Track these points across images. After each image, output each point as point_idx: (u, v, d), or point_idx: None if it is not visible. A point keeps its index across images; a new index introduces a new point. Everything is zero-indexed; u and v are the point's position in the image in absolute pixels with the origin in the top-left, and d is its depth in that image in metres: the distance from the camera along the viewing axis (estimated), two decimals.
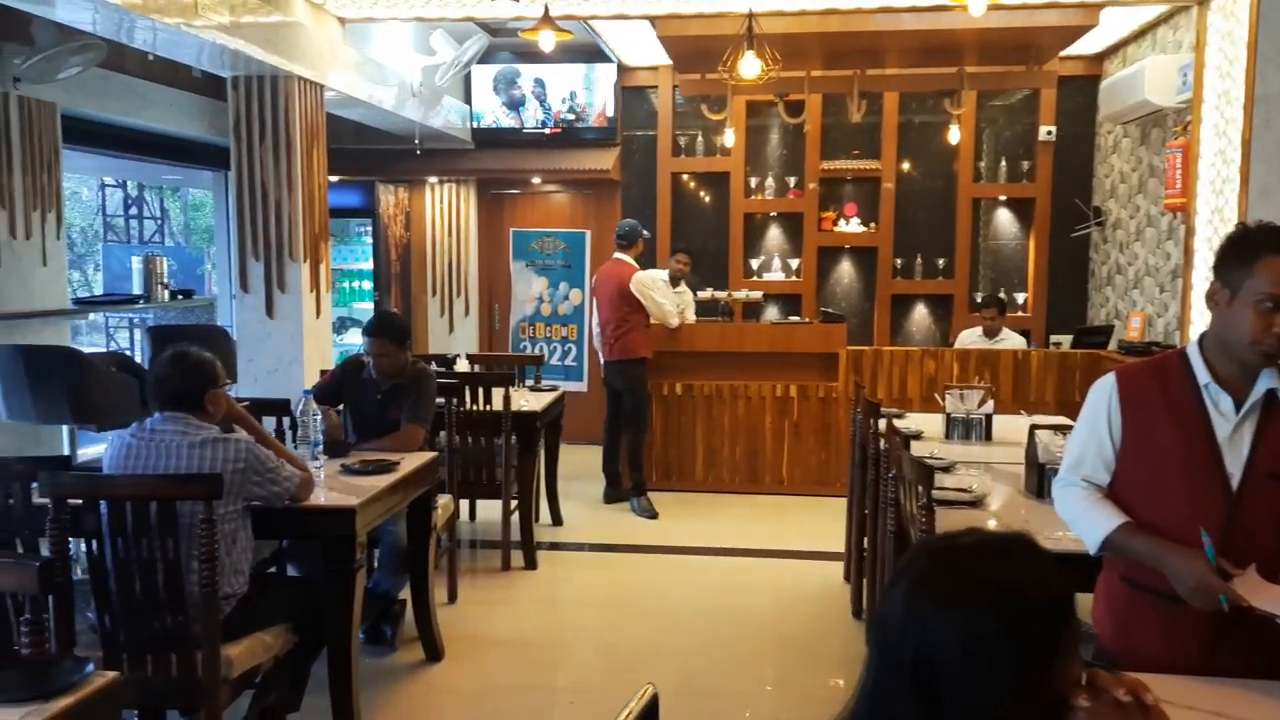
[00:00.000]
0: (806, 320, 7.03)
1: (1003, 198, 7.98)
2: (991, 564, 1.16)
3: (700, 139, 8.08)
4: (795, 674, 3.91)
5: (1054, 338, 7.51)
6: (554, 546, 5.53)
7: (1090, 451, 2.05)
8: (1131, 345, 6.32)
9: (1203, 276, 5.29)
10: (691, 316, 6.69)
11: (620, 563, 5.33)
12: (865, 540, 4.41)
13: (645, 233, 6.57)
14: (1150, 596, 1.94)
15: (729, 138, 7.46)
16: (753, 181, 8.06)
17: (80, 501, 2.77)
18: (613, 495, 6.39)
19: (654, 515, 6.08)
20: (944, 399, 4.36)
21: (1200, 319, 5.32)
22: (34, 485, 2.92)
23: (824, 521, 5.95)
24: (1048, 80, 7.05)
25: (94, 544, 2.75)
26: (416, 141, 7.43)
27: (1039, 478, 3.23)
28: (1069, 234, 7.79)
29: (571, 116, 8.13)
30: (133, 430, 2.89)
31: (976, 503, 3.13)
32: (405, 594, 4.07)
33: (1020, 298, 7.96)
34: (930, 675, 1.12)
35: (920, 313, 8.13)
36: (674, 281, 6.52)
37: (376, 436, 4.01)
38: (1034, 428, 3.29)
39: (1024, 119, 7.88)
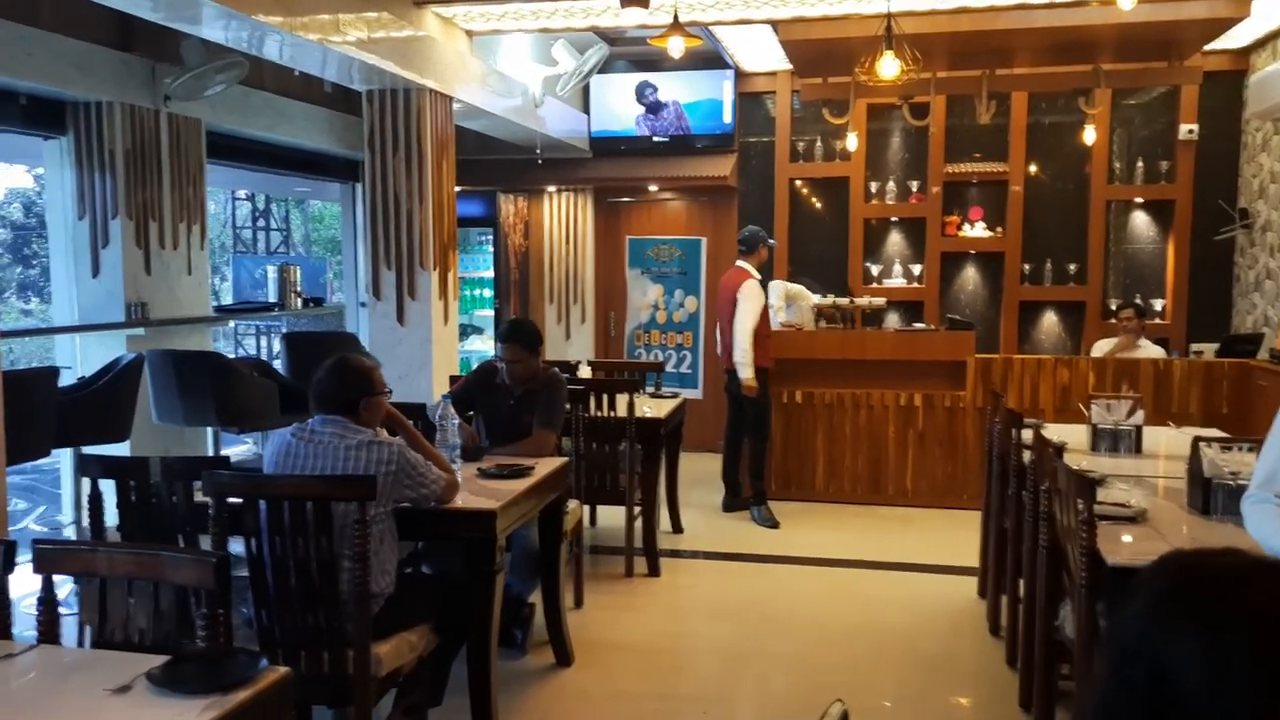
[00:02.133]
0: (932, 327, 6.85)
1: (1139, 200, 7.65)
2: (1249, 586, 1.07)
3: (819, 144, 7.97)
4: (937, 690, 3.79)
5: (1194, 346, 7.15)
6: (674, 554, 5.50)
7: None
8: None
9: None
10: None
11: (743, 572, 5.27)
12: (1004, 555, 4.27)
13: (771, 240, 6.50)
14: None
15: (851, 142, 7.35)
16: (873, 186, 7.92)
17: (240, 500, 2.86)
18: (732, 504, 6.33)
19: (775, 525, 6.00)
20: (1089, 409, 4.18)
21: None
22: (195, 484, 3.04)
23: (952, 535, 5.78)
24: (1192, 76, 6.72)
25: (253, 542, 2.84)
26: (537, 151, 7.53)
27: (1204, 493, 3.06)
28: (1212, 237, 7.42)
29: (690, 124, 8.12)
30: (293, 430, 2.99)
31: (1137, 518, 2.98)
32: (535, 598, 4.10)
33: (1158, 304, 7.62)
34: (1167, 696, 1.05)
35: (1050, 320, 7.85)
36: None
37: (509, 441, 4.05)
38: (1198, 440, 3.12)
39: (1162, 117, 7.54)
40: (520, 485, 3.49)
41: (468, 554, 3.25)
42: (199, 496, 3.01)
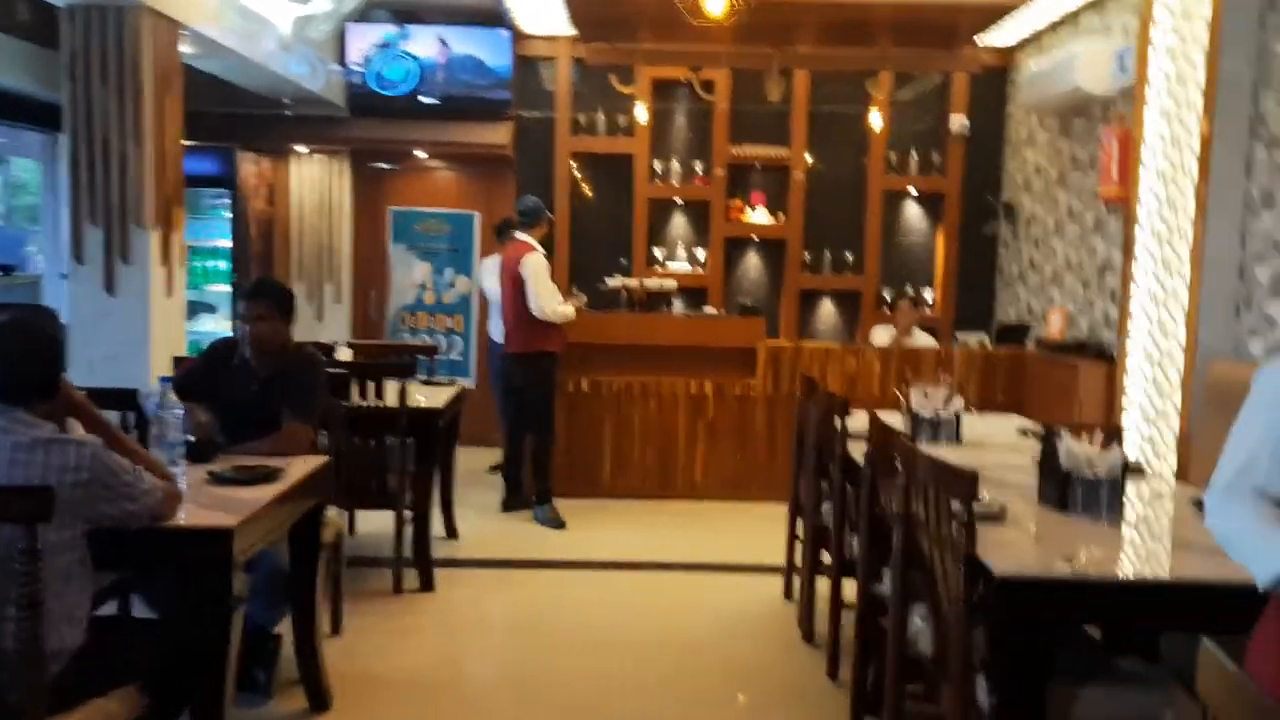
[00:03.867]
0: (722, 313, 6.52)
1: (912, 191, 7.70)
2: None
3: (601, 117, 7.47)
4: (758, 711, 3.36)
5: (960, 335, 7.27)
6: (450, 563, 4.82)
7: (1265, 454, 1.58)
8: (1053, 343, 6.09)
9: (1146, 270, 5.06)
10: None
11: (530, 580, 4.68)
12: (818, 556, 3.93)
13: (550, 214, 5.94)
14: None
15: (640, 113, 6.91)
16: (657, 166, 7.52)
17: None
18: (513, 503, 5.73)
19: (561, 525, 5.46)
20: (906, 396, 3.91)
21: (1141, 312, 5.09)
22: None
23: (746, 530, 5.47)
24: (971, 62, 6.76)
25: None
26: (286, 102, 6.57)
27: (1062, 488, 2.79)
28: (978, 230, 7.58)
29: (462, 85, 7.38)
30: None
31: (998, 516, 2.66)
32: (282, 627, 3.33)
33: (928, 295, 7.70)
34: None
35: (827, 309, 7.77)
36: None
37: (252, 437, 3.25)
38: (1051, 429, 2.85)
39: (935, 109, 7.61)
40: (267, 493, 2.74)
41: (194, 586, 2.47)
42: None
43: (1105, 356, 5.44)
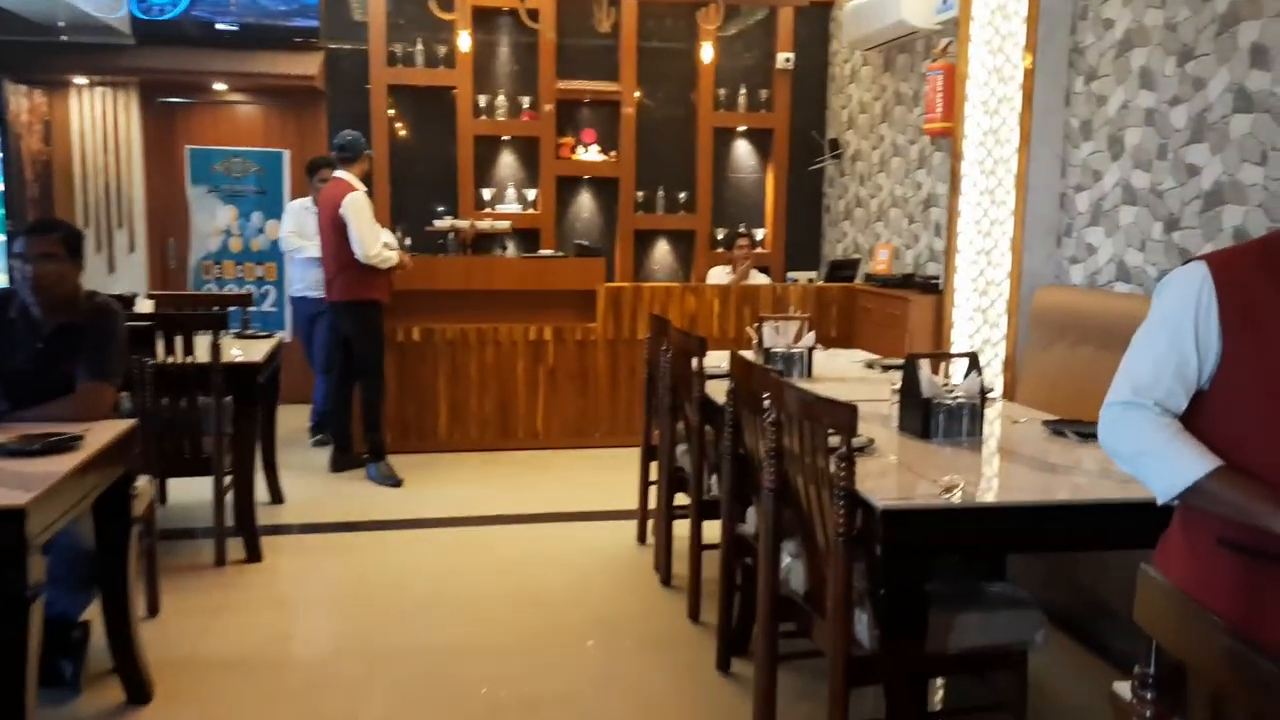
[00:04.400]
0: (560, 254, 6.30)
1: (741, 128, 7.67)
2: None
3: (420, 48, 7.04)
4: (626, 662, 3.24)
5: (791, 274, 7.35)
6: (278, 530, 4.48)
7: (1169, 368, 1.54)
8: (881, 278, 6.21)
9: (972, 202, 5.18)
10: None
11: (367, 544, 4.39)
12: (673, 499, 3.85)
13: (369, 150, 5.53)
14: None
15: (462, 40, 6.52)
16: (482, 100, 7.17)
17: None
18: (343, 462, 5.39)
19: (397, 482, 5.16)
20: (759, 332, 3.85)
21: (968, 246, 5.23)
22: None
23: (593, 477, 5.35)
24: None
25: None
26: (61, 25, 5.82)
27: (924, 416, 2.77)
28: (806, 167, 7.64)
29: (259, 11, 6.76)
30: None
31: (865, 448, 2.61)
32: (91, 612, 2.96)
33: (759, 234, 7.73)
34: None
35: (662, 249, 7.69)
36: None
37: (40, 400, 2.83)
38: (914, 358, 2.82)
39: (762, 45, 7.58)
40: (64, 464, 2.38)
41: None
42: None
43: (933, 289, 5.57)
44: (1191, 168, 3.80)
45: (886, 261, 6.54)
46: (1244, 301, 1.48)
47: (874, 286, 6.15)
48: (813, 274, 7.25)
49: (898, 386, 2.91)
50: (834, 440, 2.24)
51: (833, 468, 2.22)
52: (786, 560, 2.65)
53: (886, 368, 3.99)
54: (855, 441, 2.55)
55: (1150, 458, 1.52)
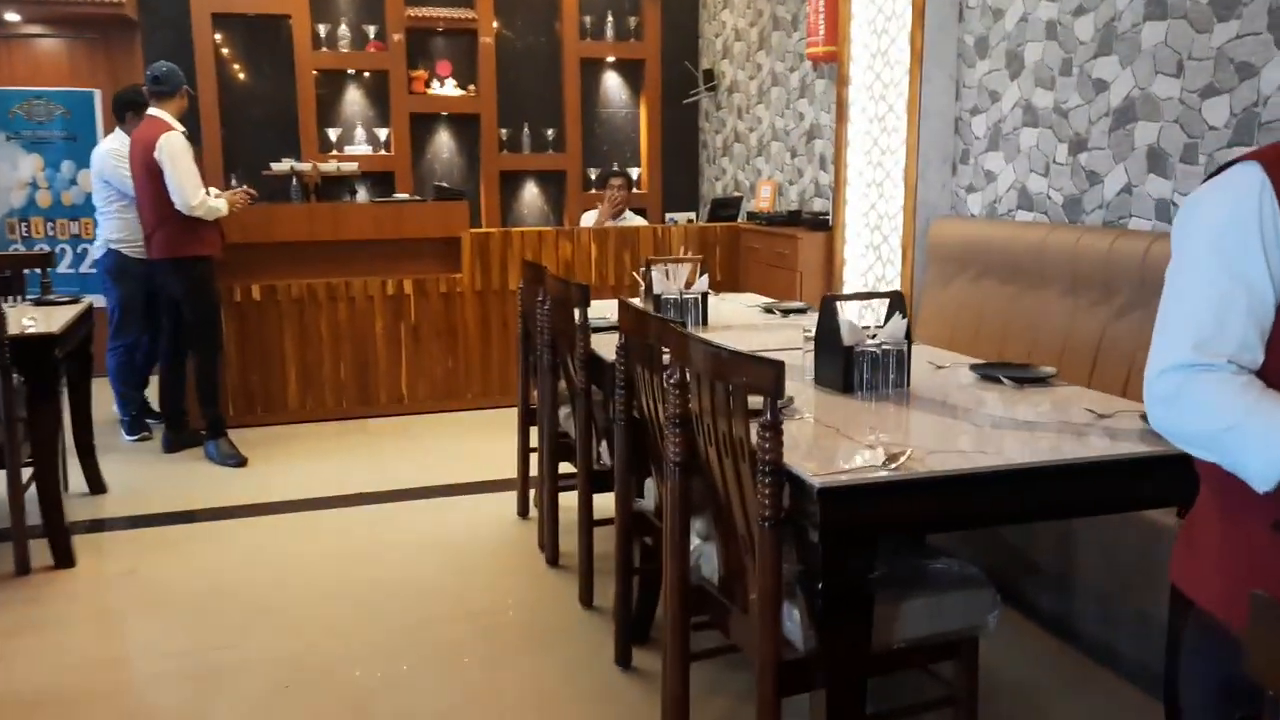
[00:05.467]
0: (417, 198, 5.70)
1: (611, 59, 7.17)
2: None
3: None
4: (515, 659, 2.81)
5: (670, 215, 6.94)
6: (97, 526, 3.86)
7: (1237, 308, 1.15)
8: (766, 215, 5.86)
9: (860, 131, 4.85)
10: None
11: (208, 535, 3.81)
12: (556, 468, 3.41)
13: (188, 84, 4.82)
14: None
15: None
16: (321, 30, 6.45)
17: None
18: (178, 441, 4.75)
19: (241, 461, 4.57)
20: (647, 277, 3.42)
21: (858, 178, 4.90)
22: None
23: (465, 444, 4.88)
24: None
25: None
26: None
27: (845, 367, 2.40)
28: (680, 101, 7.21)
29: None
30: None
31: (782, 408, 2.22)
32: None
33: (634, 173, 7.28)
34: None
35: (531, 191, 7.16)
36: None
37: None
38: (832, 299, 2.44)
39: None
40: None
41: None
42: None
43: (823, 225, 5.25)
44: (1099, 83, 3.53)
45: (770, 198, 6.20)
46: None
47: (760, 225, 5.80)
48: (692, 214, 6.86)
49: (810, 333, 2.54)
50: (754, 402, 1.84)
51: (754, 438, 1.82)
52: (695, 543, 2.25)
53: (787, 312, 3.63)
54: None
55: (1240, 434, 1.12)
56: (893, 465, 1.79)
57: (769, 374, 1.77)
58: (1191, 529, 1.29)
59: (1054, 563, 2.89)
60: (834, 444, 2.01)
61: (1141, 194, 3.35)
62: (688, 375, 2.07)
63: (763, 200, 6.23)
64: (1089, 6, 3.56)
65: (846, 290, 4.96)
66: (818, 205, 5.69)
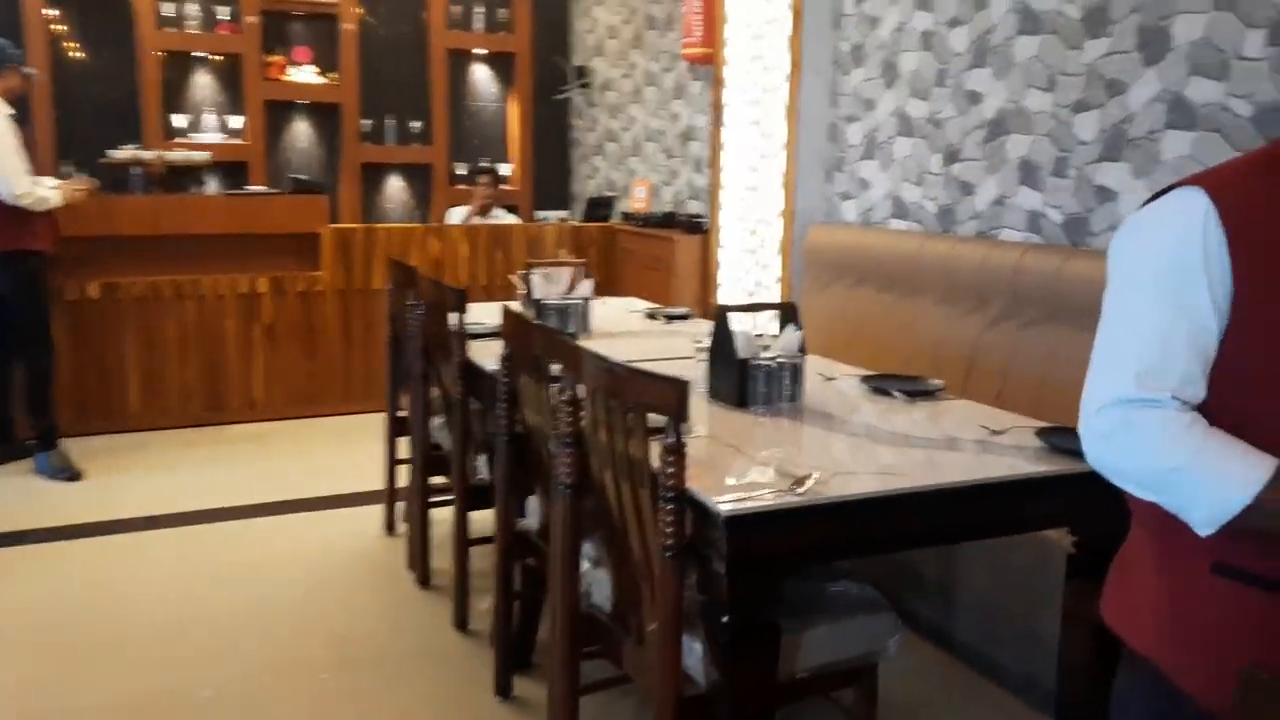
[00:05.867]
0: (273, 191, 5.36)
1: (480, 51, 6.95)
2: None
3: None
4: (391, 697, 2.62)
5: (540, 213, 6.79)
6: None
7: (1179, 339, 1.10)
8: (641, 216, 5.78)
9: (737, 135, 4.82)
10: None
11: (32, 561, 3.45)
12: (427, 485, 3.23)
13: (30, 69, 4.39)
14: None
15: None
16: (167, 9, 6.01)
17: None
18: (3, 453, 4.31)
19: (75, 475, 4.18)
20: (525, 281, 3.26)
21: (734, 181, 4.87)
22: None
23: (327, 453, 4.62)
24: None
25: None
26: None
27: (740, 381, 2.31)
28: (552, 96, 7.06)
29: None
30: None
31: None
32: None
33: (504, 169, 7.09)
34: None
35: (396, 185, 6.88)
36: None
37: None
38: (723, 310, 2.35)
39: None
40: None
41: None
42: None
43: (698, 228, 5.20)
44: (973, 94, 3.57)
45: (644, 199, 6.12)
46: (1256, 236, 1.08)
47: (635, 226, 5.71)
48: (564, 213, 6.71)
49: (703, 344, 2.45)
50: (653, 419, 1.73)
51: (656, 462, 1.71)
52: (585, 567, 2.13)
53: (671, 318, 3.54)
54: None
55: (1185, 475, 1.07)
56: (799, 490, 1.71)
57: (672, 394, 1.66)
58: (1124, 568, 1.24)
59: (939, 576, 2.89)
60: (730, 463, 1.92)
61: (1013, 205, 3.40)
62: (580, 392, 1.95)
63: (637, 200, 6.15)
64: (963, 19, 3.60)
65: (722, 293, 4.93)
66: (693, 207, 5.64)
